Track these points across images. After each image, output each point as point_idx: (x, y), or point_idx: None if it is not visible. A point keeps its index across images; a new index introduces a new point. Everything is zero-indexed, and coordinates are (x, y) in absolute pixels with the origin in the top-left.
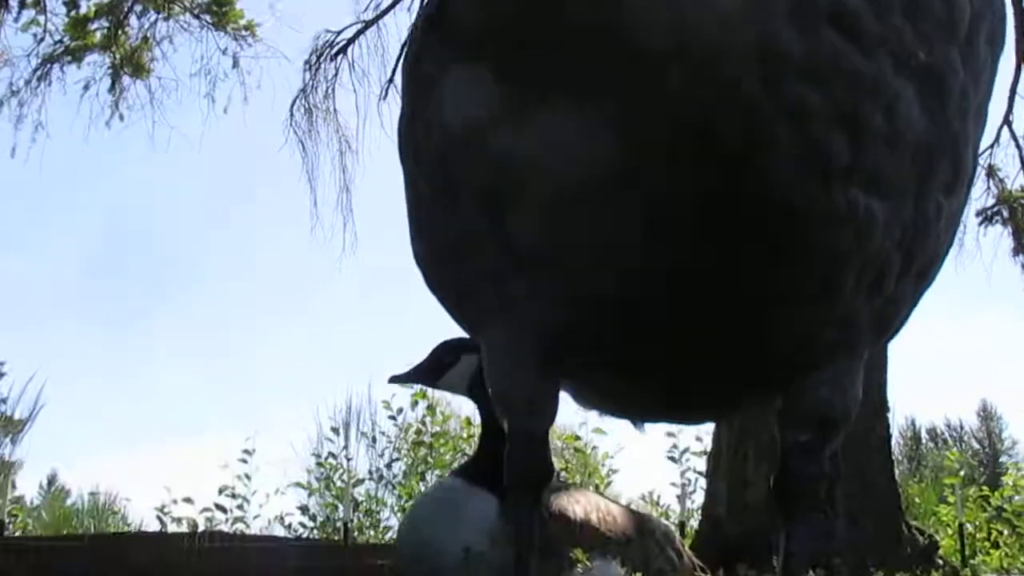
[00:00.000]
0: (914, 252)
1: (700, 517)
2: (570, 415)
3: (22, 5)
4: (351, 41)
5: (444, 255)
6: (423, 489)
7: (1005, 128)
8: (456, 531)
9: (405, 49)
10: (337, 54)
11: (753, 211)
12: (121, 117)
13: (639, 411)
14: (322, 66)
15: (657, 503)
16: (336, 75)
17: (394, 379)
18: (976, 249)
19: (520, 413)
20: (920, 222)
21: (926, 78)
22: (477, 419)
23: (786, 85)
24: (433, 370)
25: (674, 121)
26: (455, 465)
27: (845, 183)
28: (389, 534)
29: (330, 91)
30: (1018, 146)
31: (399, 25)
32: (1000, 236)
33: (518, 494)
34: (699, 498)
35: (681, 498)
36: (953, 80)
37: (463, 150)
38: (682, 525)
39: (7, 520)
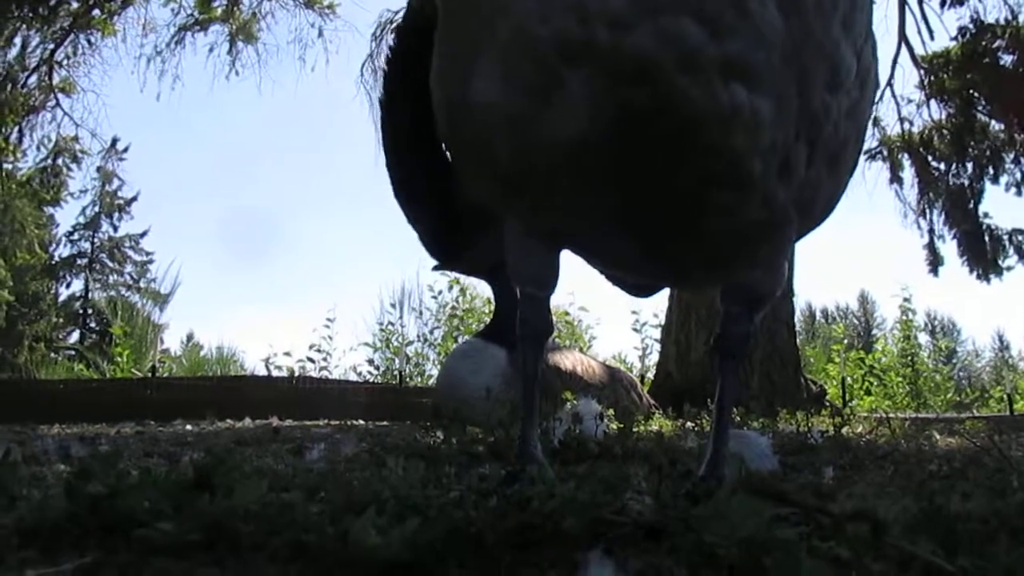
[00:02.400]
0: (816, 142)
1: (655, 371)
2: (562, 296)
3: None
4: None
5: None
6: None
7: (888, 89)
8: (477, 375)
9: None
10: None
11: (656, 116)
12: (237, 73)
13: (623, 275)
14: (385, 37)
15: (624, 361)
16: None
17: (436, 267)
18: (862, 178)
19: (530, 282)
20: (812, 116)
21: None
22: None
23: None
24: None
25: (555, 36)
26: (478, 329)
27: (724, 80)
28: (431, 380)
29: None
30: (897, 103)
31: None
32: (880, 170)
33: (527, 344)
34: (654, 358)
35: (641, 358)
36: None
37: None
38: (642, 377)
39: (158, 365)
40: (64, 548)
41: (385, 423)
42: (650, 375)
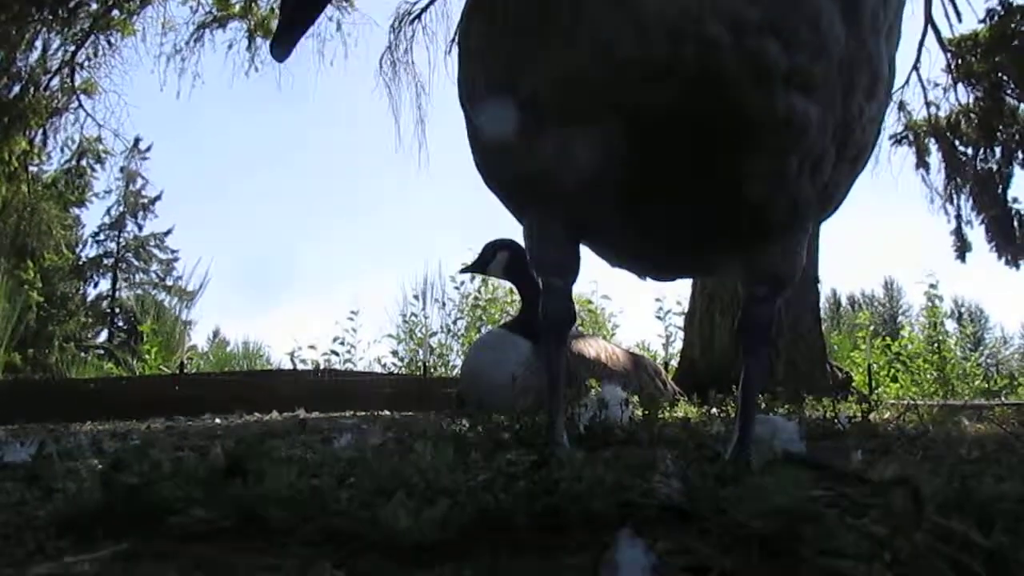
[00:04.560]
0: (846, 144)
1: (679, 359)
2: (585, 285)
3: None
4: (424, 9)
5: (497, 168)
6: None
7: (914, 73)
8: (499, 364)
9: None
10: (414, 20)
11: (714, 119)
12: (256, 69)
13: (642, 268)
14: (403, 29)
15: (647, 349)
16: (413, 35)
17: (462, 270)
18: (888, 164)
19: (551, 272)
20: (848, 121)
21: (846, 2)
22: (516, 291)
23: (724, 6)
24: (482, 264)
25: (644, 56)
26: (500, 320)
27: (786, 88)
28: (455, 371)
29: (409, 48)
30: (923, 87)
31: None
32: (906, 155)
33: (550, 333)
34: (678, 345)
35: (665, 345)
36: (865, 3)
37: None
38: (666, 365)
39: (186, 362)
40: (100, 537)
41: (410, 413)
42: (674, 363)
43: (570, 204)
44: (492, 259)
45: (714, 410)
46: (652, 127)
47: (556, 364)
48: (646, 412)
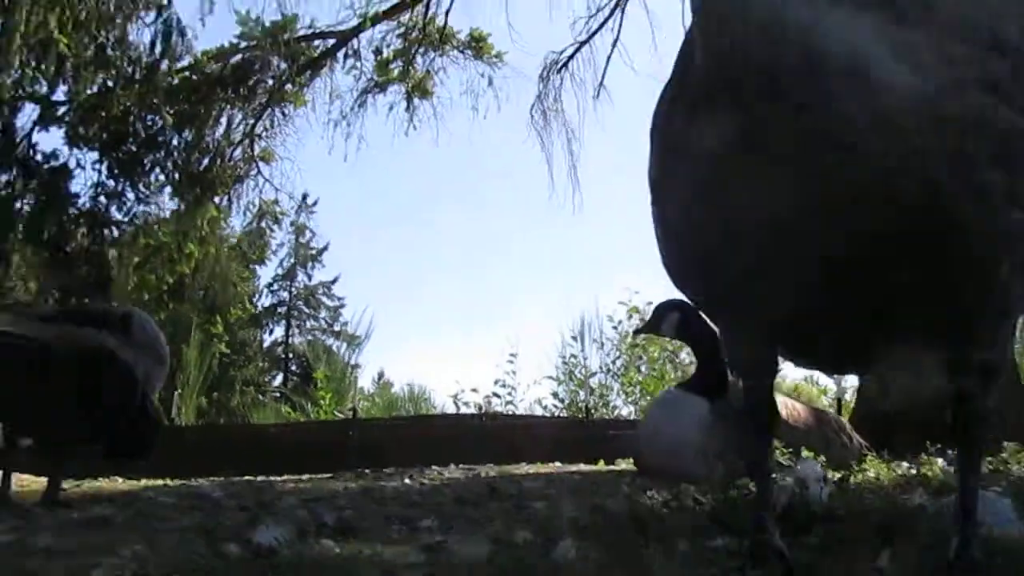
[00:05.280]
0: None
1: (856, 396)
2: None
3: (346, 56)
4: (571, 58)
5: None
6: (655, 395)
7: None
8: (674, 422)
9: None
10: (561, 68)
11: (929, 241)
12: (415, 127)
13: (833, 368)
14: (550, 78)
15: (816, 383)
16: (561, 83)
17: (635, 332)
18: None
19: (749, 374)
20: None
21: None
22: None
23: (951, 141)
24: (654, 325)
25: (870, 179)
26: (659, 359)
27: (1008, 207)
28: (617, 411)
29: (558, 96)
30: None
31: (605, 43)
32: None
33: (753, 434)
34: (852, 379)
35: (836, 380)
36: None
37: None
38: (839, 401)
39: (358, 407)
40: None
41: (584, 466)
42: (846, 397)
43: (766, 320)
44: (663, 321)
45: (908, 467)
46: (860, 251)
47: (761, 454)
48: (839, 476)
